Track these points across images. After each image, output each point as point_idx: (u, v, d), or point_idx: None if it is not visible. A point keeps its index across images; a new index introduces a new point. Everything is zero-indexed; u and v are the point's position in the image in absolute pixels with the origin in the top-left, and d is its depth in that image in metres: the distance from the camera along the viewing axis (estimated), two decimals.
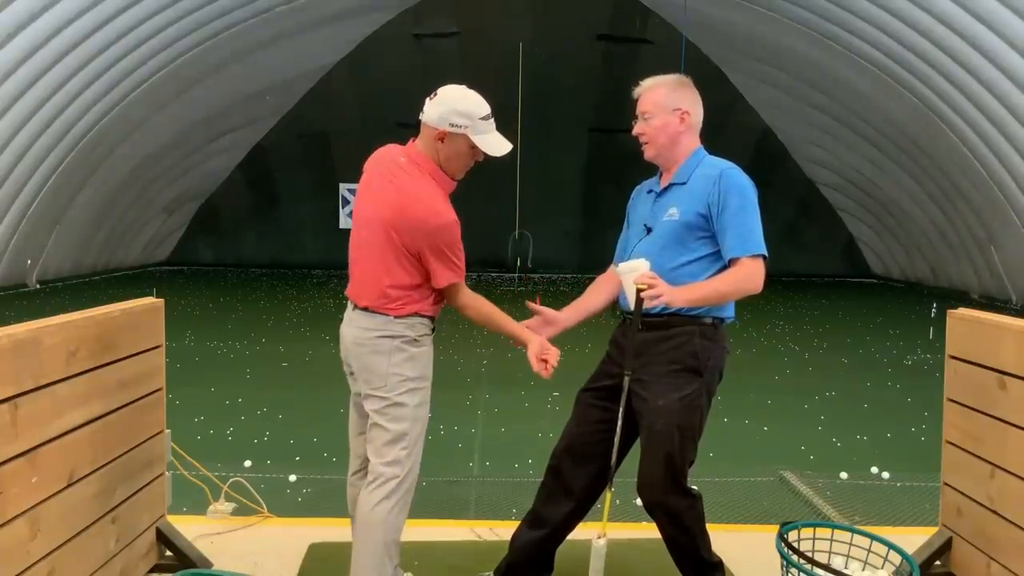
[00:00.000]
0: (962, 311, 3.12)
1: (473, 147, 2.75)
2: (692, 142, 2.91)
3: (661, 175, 2.97)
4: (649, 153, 2.91)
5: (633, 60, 18.56)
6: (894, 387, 8.24)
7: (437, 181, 2.75)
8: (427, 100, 2.74)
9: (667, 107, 2.85)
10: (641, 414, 2.80)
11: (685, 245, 2.79)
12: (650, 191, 2.99)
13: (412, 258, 2.70)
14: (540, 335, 2.90)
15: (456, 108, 2.69)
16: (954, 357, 3.10)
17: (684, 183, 2.85)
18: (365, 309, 2.76)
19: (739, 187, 2.77)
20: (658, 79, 2.92)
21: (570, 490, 2.97)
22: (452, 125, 2.69)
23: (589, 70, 19.68)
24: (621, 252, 3.04)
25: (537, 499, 3.05)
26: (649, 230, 2.88)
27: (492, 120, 2.76)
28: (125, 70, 14.47)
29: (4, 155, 13.24)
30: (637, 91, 2.92)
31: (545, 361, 2.82)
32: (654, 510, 2.82)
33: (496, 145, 2.76)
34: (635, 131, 2.90)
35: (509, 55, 18.67)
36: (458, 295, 2.78)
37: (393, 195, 2.71)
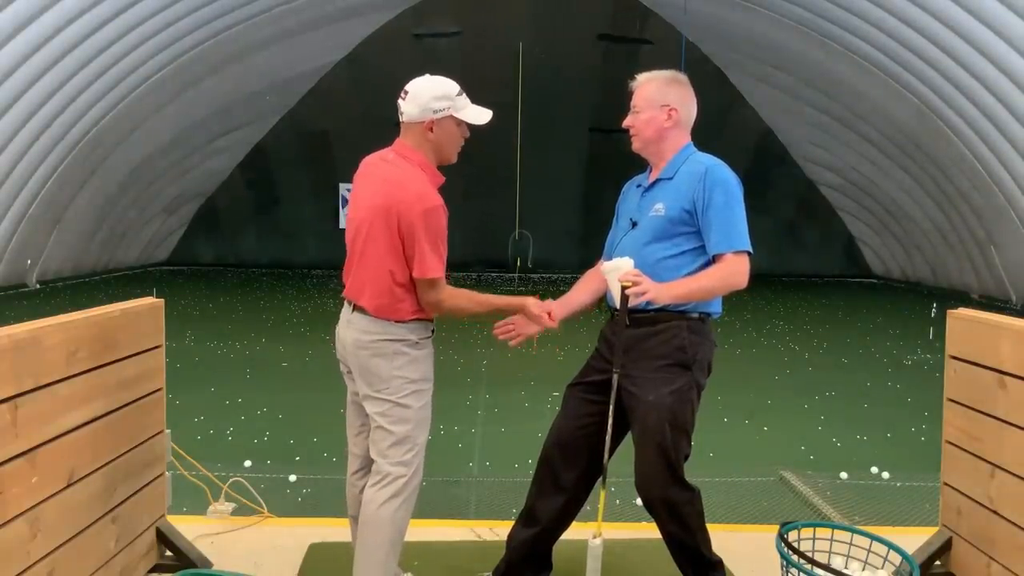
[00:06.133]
0: (962, 311, 3.12)
1: (460, 124, 2.81)
2: (680, 138, 2.93)
3: (650, 170, 2.99)
4: (635, 145, 2.96)
5: (633, 60, 18.53)
6: (894, 387, 8.24)
7: (427, 173, 2.77)
8: (400, 102, 2.78)
9: (656, 102, 2.89)
10: (632, 410, 2.81)
11: (670, 239, 2.81)
12: (639, 186, 3.02)
13: (405, 248, 2.70)
14: (527, 332, 2.95)
15: (432, 94, 2.75)
16: (954, 357, 3.09)
17: (670, 179, 2.88)
18: (364, 312, 2.75)
19: (724, 183, 2.79)
20: (652, 74, 2.95)
21: (561, 485, 2.98)
22: (435, 111, 2.74)
23: (589, 70, 19.67)
24: (609, 246, 3.06)
25: (529, 496, 3.06)
26: (635, 224, 2.91)
27: (465, 94, 2.81)
28: (125, 70, 14.47)
29: (4, 155, 13.24)
30: (632, 84, 2.97)
31: (549, 313, 2.88)
32: (654, 505, 2.82)
33: (478, 114, 2.82)
34: (624, 123, 2.95)
35: (509, 55, 18.68)
36: (438, 288, 2.73)
37: (381, 186, 2.74)
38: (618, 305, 2.75)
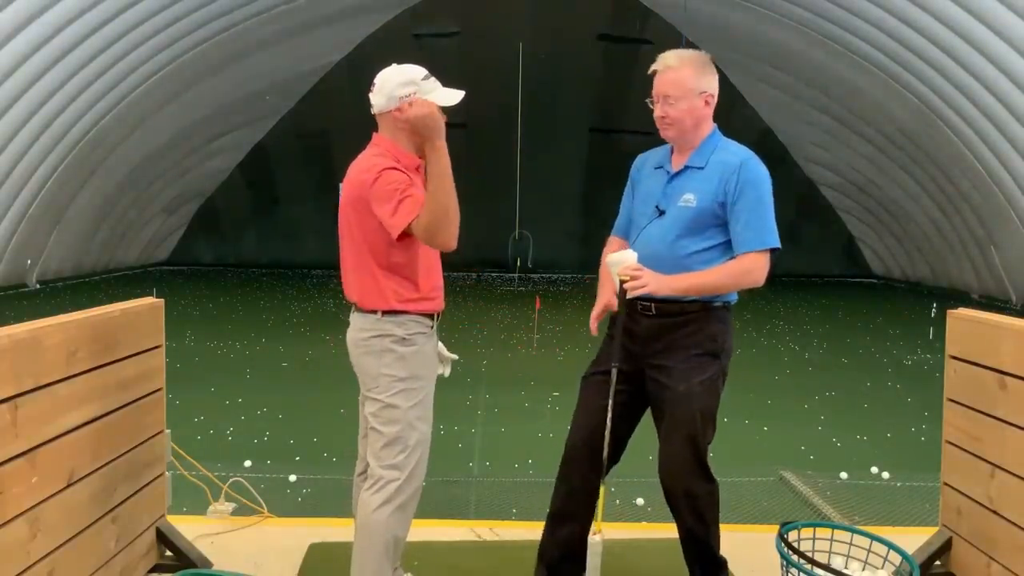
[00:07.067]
0: (962, 311, 3.12)
1: None
2: (710, 124, 2.85)
3: (672, 152, 2.89)
4: (669, 134, 2.81)
5: (633, 60, 18.52)
6: (894, 387, 8.24)
7: (393, 155, 2.71)
8: (370, 95, 2.75)
9: (694, 90, 2.76)
10: (662, 400, 2.77)
11: (701, 232, 2.76)
12: (659, 167, 2.91)
13: (375, 231, 2.67)
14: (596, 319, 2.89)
15: (396, 82, 2.71)
16: (954, 357, 3.09)
17: (701, 168, 2.79)
18: (358, 308, 2.76)
19: (758, 180, 2.75)
20: (683, 56, 2.79)
21: (591, 479, 2.88)
22: (401, 98, 2.70)
23: (589, 70, 19.66)
24: (626, 227, 2.98)
25: (557, 497, 2.95)
26: (662, 212, 2.82)
27: (433, 78, 2.76)
28: (125, 70, 14.47)
29: (4, 155, 13.24)
30: (659, 66, 2.79)
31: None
32: (676, 497, 2.77)
33: (448, 96, 2.75)
34: (657, 114, 2.79)
35: (509, 55, 18.66)
36: (417, 226, 2.57)
37: (348, 180, 2.76)
38: (617, 298, 2.74)
